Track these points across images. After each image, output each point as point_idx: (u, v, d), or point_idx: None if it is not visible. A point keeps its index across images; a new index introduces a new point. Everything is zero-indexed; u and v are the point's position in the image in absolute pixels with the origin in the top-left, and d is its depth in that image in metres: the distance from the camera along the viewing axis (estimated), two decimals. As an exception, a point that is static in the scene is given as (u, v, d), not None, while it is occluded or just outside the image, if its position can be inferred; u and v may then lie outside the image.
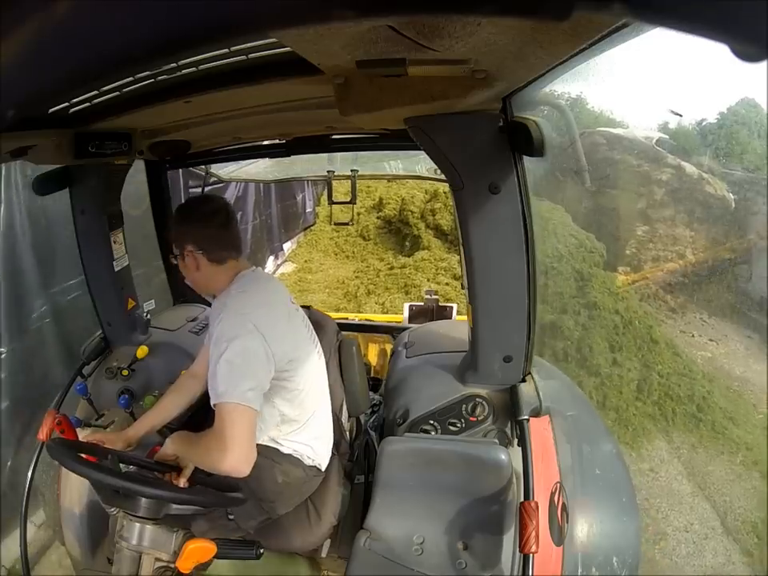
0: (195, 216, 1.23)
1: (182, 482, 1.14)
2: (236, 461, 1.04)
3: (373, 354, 2.62)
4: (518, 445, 1.22)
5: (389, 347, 2.40)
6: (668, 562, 3.22)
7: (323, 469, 1.42)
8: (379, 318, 3.22)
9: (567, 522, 1.13)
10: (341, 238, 8.56)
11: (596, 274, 5.86)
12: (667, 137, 8.00)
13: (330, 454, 1.45)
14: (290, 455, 1.33)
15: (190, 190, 3.53)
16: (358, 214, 8.39)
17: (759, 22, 0.18)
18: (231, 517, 1.31)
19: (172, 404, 1.42)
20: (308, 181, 7.71)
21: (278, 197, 6.88)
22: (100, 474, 0.98)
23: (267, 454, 1.31)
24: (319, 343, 1.46)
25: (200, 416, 1.74)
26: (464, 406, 1.34)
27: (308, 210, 8.43)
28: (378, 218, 8.70)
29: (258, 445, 1.29)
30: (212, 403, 1.08)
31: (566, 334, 5.12)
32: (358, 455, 1.67)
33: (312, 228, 8.69)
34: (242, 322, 1.12)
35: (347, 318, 2.99)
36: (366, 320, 2.96)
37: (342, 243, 8.49)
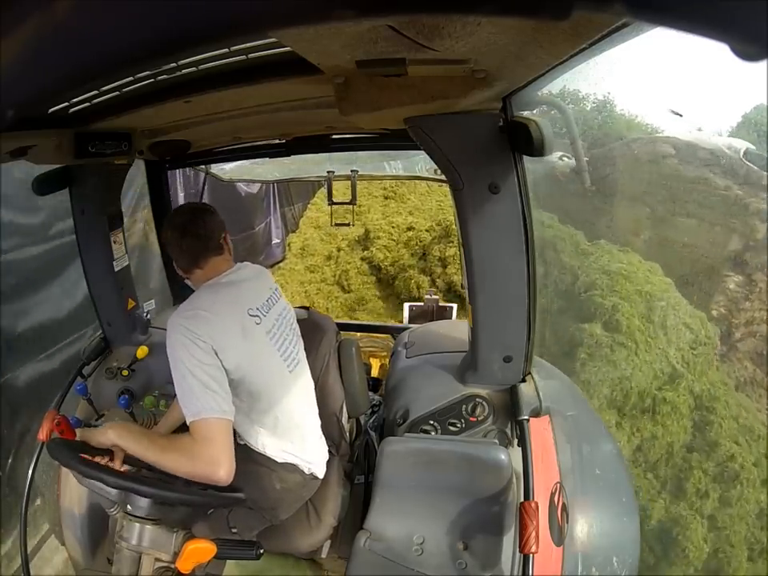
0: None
1: (118, 465, 1.11)
2: (229, 470, 1.05)
3: (375, 368, 2.61)
4: (518, 445, 1.22)
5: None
6: None
7: (320, 476, 1.41)
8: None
9: (567, 522, 1.13)
10: (312, 285, 6.39)
11: (721, 397, 3.76)
12: (753, 147, 5.53)
13: (325, 461, 1.43)
14: (285, 464, 1.32)
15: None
16: (338, 249, 6.56)
17: (759, 22, 0.18)
18: (234, 530, 1.30)
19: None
20: (275, 205, 6.36)
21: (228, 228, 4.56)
22: (100, 473, 0.98)
23: (264, 463, 1.31)
24: (302, 350, 1.40)
25: None
26: (464, 406, 1.34)
27: (274, 241, 6.33)
28: (362, 259, 6.36)
29: (254, 453, 1.30)
30: (189, 420, 1.05)
31: (691, 556, 2.86)
32: (357, 456, 1.67)
33: (280, 265, 6.68)
34: (190, 338, 1.10)
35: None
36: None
37: (313, 293, 6.30)
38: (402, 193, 7.65)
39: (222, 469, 1.04)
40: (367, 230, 6.65)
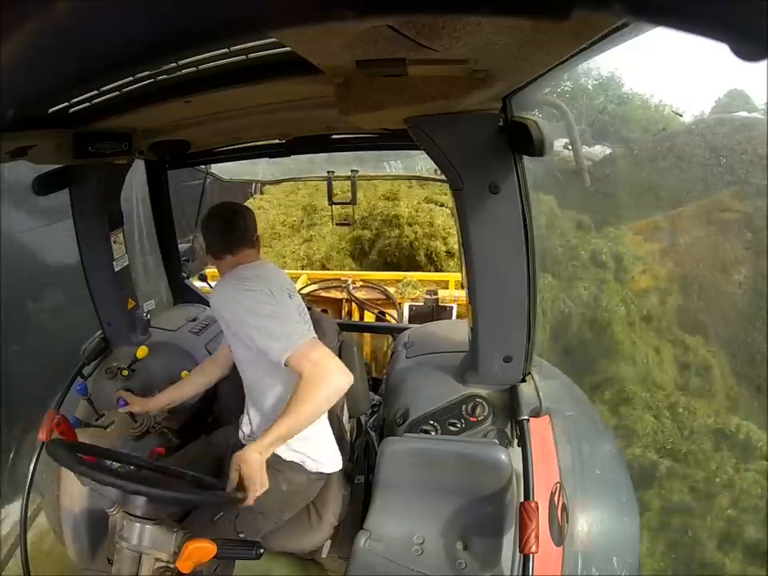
0: (203, 222, 1.43)
1: (251, 499, 1.13)
2: (349, 375, 1.13)
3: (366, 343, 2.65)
4: (518, 445, 1.22)
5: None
6: None
7: (328, 472, 1.40)
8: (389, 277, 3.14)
9: (567, 522, 1.13)
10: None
11: None
12: None
13: (336, 457, 1.42)
14: (291, 462, 1.32)
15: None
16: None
17: (759, 22, 0.18)
18: (242, 535, 1.29)
19: (191, 384, 1.54)
20: (143, 243, 4.37)
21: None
22: (99, 473, 0.98)
23: (270, 464, 1.30)
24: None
25: (205, 413, 1.74)
26: (464, 406, 1.34)
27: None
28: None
29: None
30: (286, 356, 1.10)
31: None
32: (358, 455, 1.67)
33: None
34: (251, 289, 1.20)
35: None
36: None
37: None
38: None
39: (347, 374, 1.11)
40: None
